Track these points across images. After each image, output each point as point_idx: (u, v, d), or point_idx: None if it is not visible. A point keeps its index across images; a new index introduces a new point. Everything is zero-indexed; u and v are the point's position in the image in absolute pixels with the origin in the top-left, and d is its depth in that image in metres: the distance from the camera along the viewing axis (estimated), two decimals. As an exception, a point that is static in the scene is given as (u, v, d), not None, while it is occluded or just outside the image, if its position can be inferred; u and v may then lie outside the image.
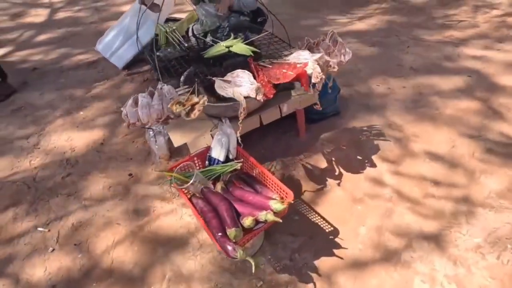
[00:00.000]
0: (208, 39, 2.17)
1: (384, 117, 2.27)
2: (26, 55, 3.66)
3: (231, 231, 1.09)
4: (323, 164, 1.95)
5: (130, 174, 1.99)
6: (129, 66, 2.92)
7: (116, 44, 2.87)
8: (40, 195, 1.92)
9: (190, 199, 1.31)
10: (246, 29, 1.90)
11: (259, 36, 1.75)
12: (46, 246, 1.63)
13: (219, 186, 1.31)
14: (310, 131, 2.17)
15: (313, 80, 1.28)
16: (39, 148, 2.29)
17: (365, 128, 2.19)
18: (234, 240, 1.11)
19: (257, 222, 1.16)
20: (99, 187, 1.94)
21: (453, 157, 1.92)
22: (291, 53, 1.49)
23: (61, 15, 4.79)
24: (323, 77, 1.34)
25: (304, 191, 1.80)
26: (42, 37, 4.09)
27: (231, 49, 1.59)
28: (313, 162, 1.97)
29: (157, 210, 1.76)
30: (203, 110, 1.23)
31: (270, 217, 1.13)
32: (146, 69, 2.86)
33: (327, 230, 1.60)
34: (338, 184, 1.82)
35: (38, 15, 4.82)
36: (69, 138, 2.34)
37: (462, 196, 1.70)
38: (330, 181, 1.84)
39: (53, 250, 1.62)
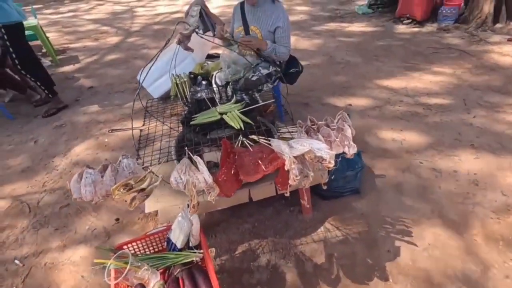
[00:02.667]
0: (229, 89, 2.04)
1: (416, 209, 1.81)
2: (89, 73, 4.06)
3: None
4: (320, 258, 1.61)
5: (117, 219, 1.93)
6: (165, 98, 3.00)
7: (155, 76, 2.99)
8: (34, 223, 1.96)
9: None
10: (259, 88, 1.71)
11: (260, 104, 1.54)
12: (12, 284, 1.62)
13: (156, 287, 1.12)
14: (318, 209, 1.85)
15: (290, 182, 1.02)
16: (57, 170, 2.41)
17: (387, 219, 1.77)
18: None
19: None
20: (85, 227, 1.91)
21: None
22: (282, 134, 1.25)
23: (132, 39, 5.30)
24: (310, 176, 1.06)
25: (286, 291, 1.48)
26: (108, 57, 4.53)
27: (224, 117, 1.41)
28: (309, 253, 1.64)
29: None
30: (143, 201, 1.06)
31: None
32: (129, 128, 2.87)
33: None
34: (330, 293, 1.46)
35: (115, 38, 5.41)
36: (84, 165, 2.41)
37: None
38: (322, 287, 1.49)
39: (16, 290, 1.60)
